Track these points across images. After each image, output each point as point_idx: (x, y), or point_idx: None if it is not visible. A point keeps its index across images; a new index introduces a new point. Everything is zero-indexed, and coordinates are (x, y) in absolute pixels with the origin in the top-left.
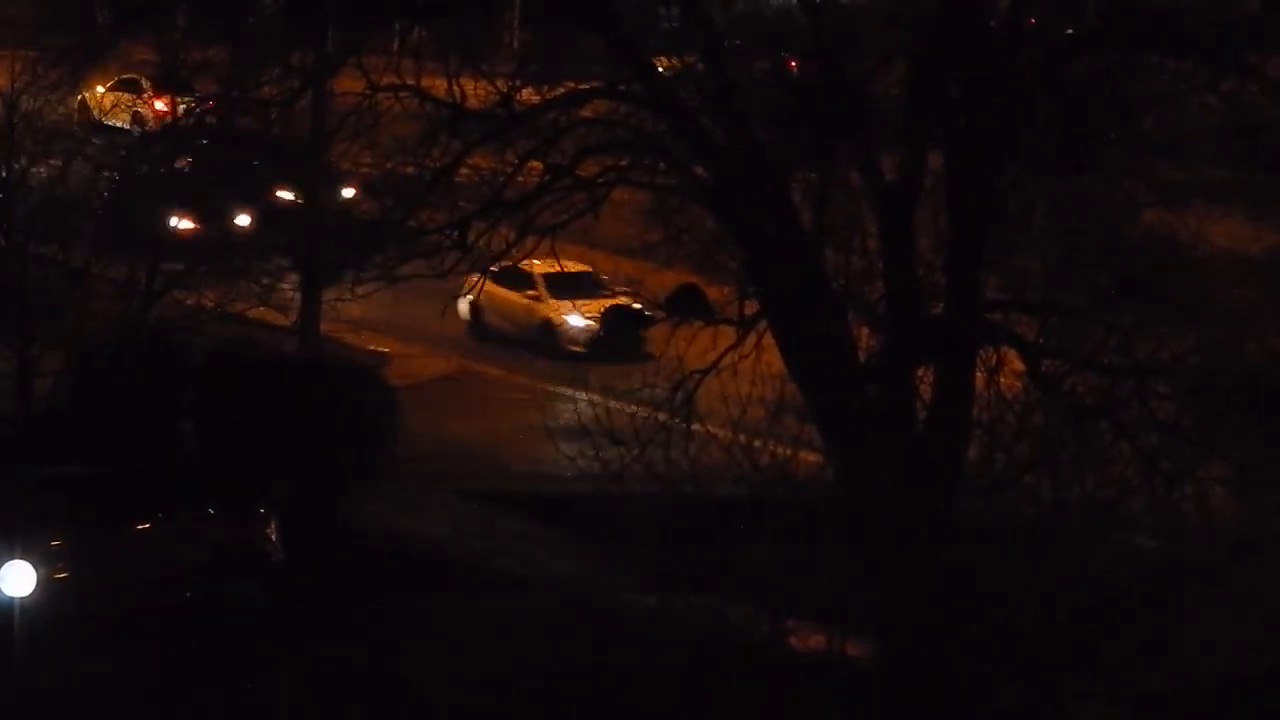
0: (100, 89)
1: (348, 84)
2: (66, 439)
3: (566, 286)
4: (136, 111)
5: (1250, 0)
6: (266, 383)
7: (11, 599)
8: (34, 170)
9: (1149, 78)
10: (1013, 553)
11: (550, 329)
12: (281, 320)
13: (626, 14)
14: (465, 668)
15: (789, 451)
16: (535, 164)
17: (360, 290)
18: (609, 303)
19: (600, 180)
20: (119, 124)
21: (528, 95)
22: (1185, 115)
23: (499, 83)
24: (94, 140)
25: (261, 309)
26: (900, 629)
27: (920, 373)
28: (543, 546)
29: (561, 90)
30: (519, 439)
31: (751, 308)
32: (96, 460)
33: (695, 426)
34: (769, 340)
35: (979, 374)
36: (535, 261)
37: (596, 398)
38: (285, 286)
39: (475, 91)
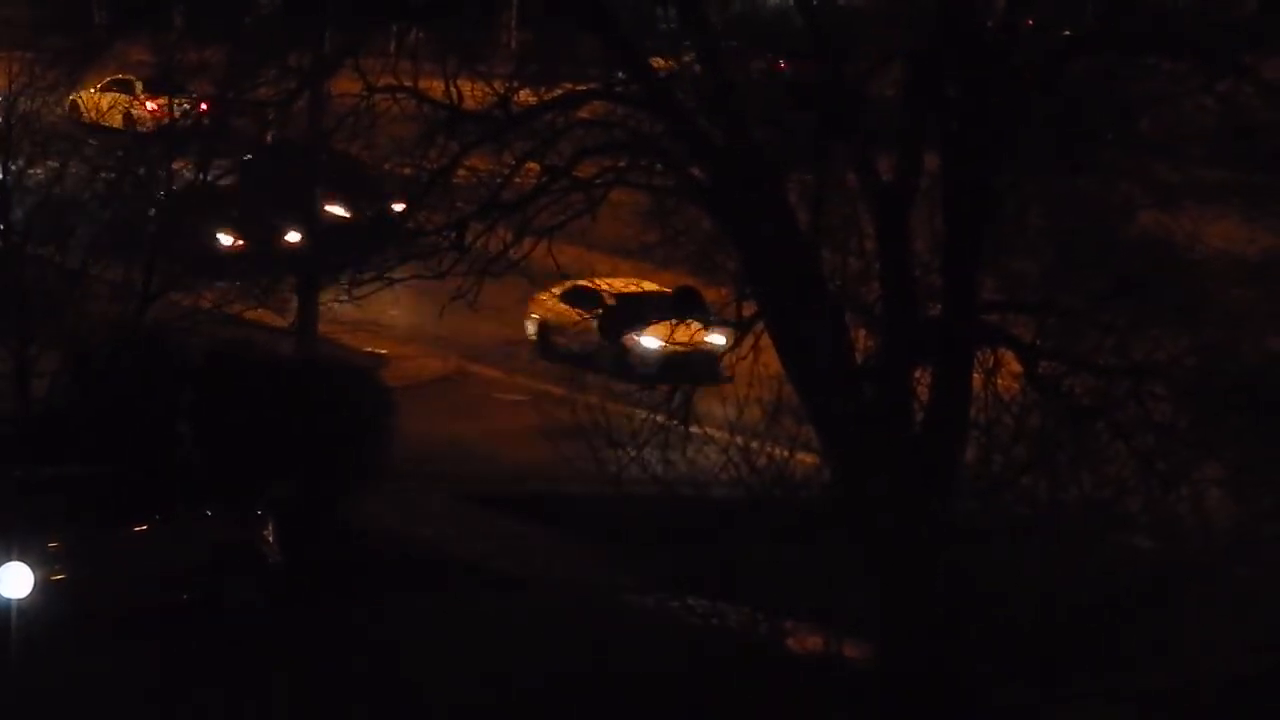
0: (92, 90)
1: (345, 85)
2: (64, 440)
3: (640, 307)
4: (128, 112)
5: (1246, 1)
6: (264, 384)
7: (9, 600)
8: (31, 171)
9: (1145, 79)
10: (1010, 553)
11: (621, 350)
12: (279, 321)
13: (623, 15)
14: (465, 668)
15: (786, 453)
16: (533, 165)
17: (358, 293)
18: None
19: (597, 181)
20: (109, 125)
21: (525, 96)
22: (1181, 116)
23: (496, 84)
24: (90, 141)
25: (259, 310)
26: (899, 629)
27: (917, 374)
28: (542, 547)
29: (559, 91)
30: (517, 440)
31: (749, 309)
32: (94, 461)
33: (693, 428)
34: (766, 342)
35: (976, 375)
36: (608, 281)
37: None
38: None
39: (473, 93)
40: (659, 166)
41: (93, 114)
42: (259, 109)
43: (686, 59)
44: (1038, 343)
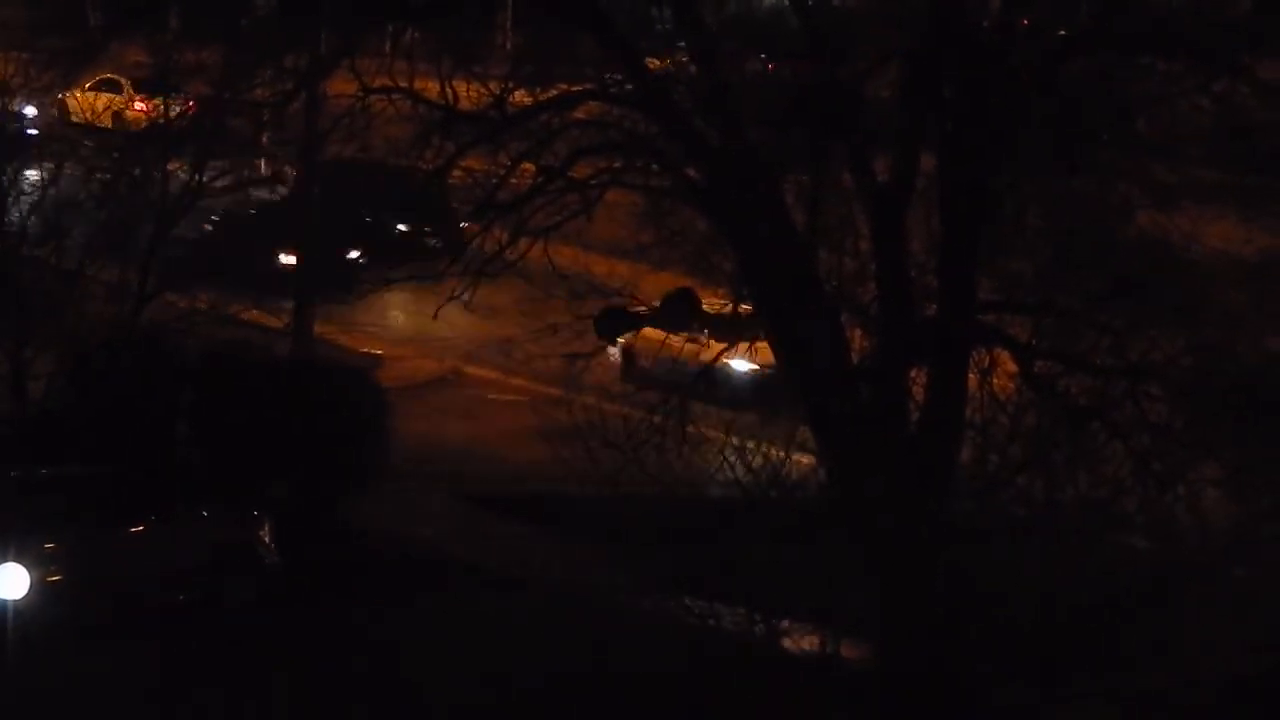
0: (79, 91)
1: (341, 86)
2: (61, 440)
3: (731, 328)
4: (116, 112)
5: (1242, 1)
6: (261, 384)
7: (5, 602)
8: (27, 172)
9: (1142, 79)
10: (1008, 553)
11: (711, 374)
12: (275, 322)
13: (619, 16)
14: (463, 668)
15: (783, 453)
16: (528, 166)
17: (355, 295)
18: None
19: (593, 182)
20: (99, 125)
21: (520, 97)
22: (1178, 117)
23: (492, 84)
24: (86, 142)
25: (255, 311)
26: (897, 630)
27: (913, 374)
28: (540, 548)
29: (554, 92)
30: (515, 440)
31: (745, 310)
32: (91, 462)
33: (690, 428)
34: (763, 342)
35: (972, 375)
36: (707, 302)
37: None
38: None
39: (468, 93)
40: (655, 167)
41: (86, 114)
42: (255, 110)
43: (682, 59)
44: (1034, 343)
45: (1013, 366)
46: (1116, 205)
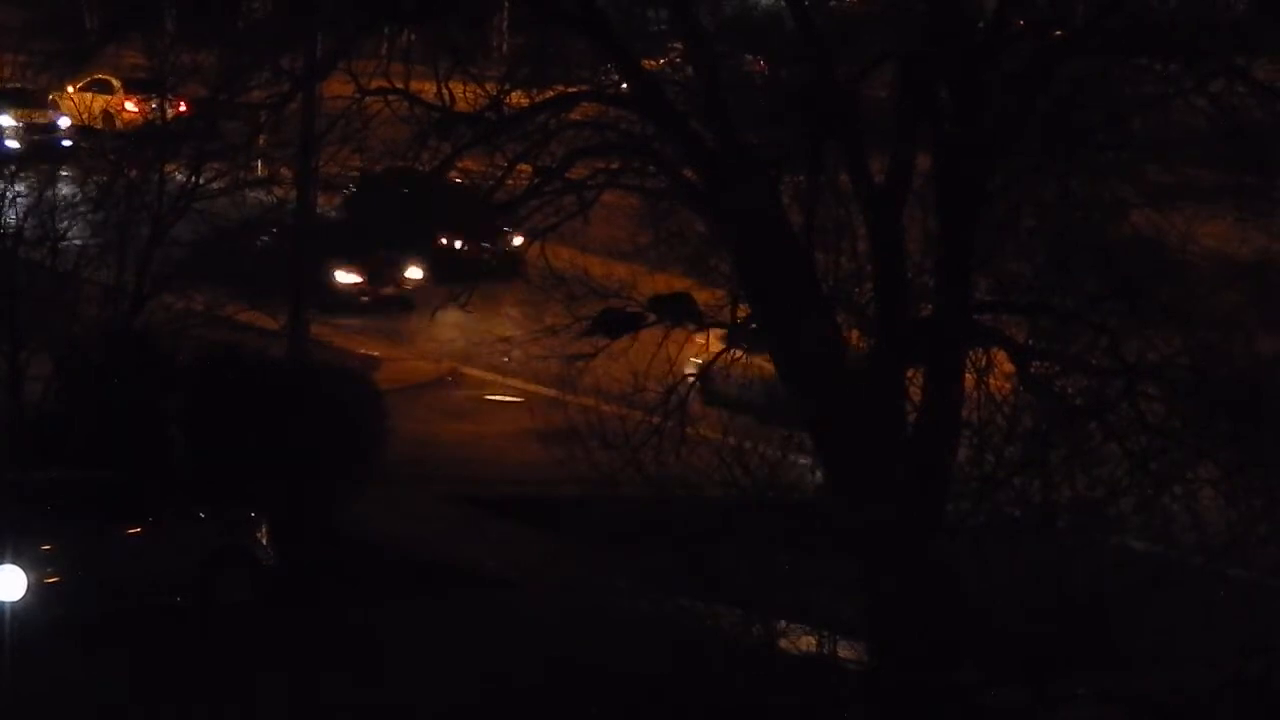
0: (70, 90)
1: (337, 88)
2: (57, 443)
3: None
4: (107, 112)
5: (1237, 2)
6: (256, 387)
7: (2, 603)
8: (23, 174)
9: (1137, 80)
10: (1003, 554)
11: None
12: (270, 324)
13: (615, 17)
14: (461, 669)
15: (779, 454)
16: (525, 167)
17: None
18: None
19: (590, 183)
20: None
21: (517, 98)
22: (1173, 117)
23: (488, 86)
24: (82, 144)
25: (250, 312)
26: (891, 631)
27: (910, 375)
28: (535, 549)
29: (551, 93)
30: (511, 441)
31: (742, 311)
32: (87, 464)
33: (686, 429)
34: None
35: (968, 375)
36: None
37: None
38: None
39: (464, 95)
40: (652, 168)
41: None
42: (252, 112)
43: (678, 60)
44: (1030, 343)
45: (1009, 367)
46: (1111, 205)
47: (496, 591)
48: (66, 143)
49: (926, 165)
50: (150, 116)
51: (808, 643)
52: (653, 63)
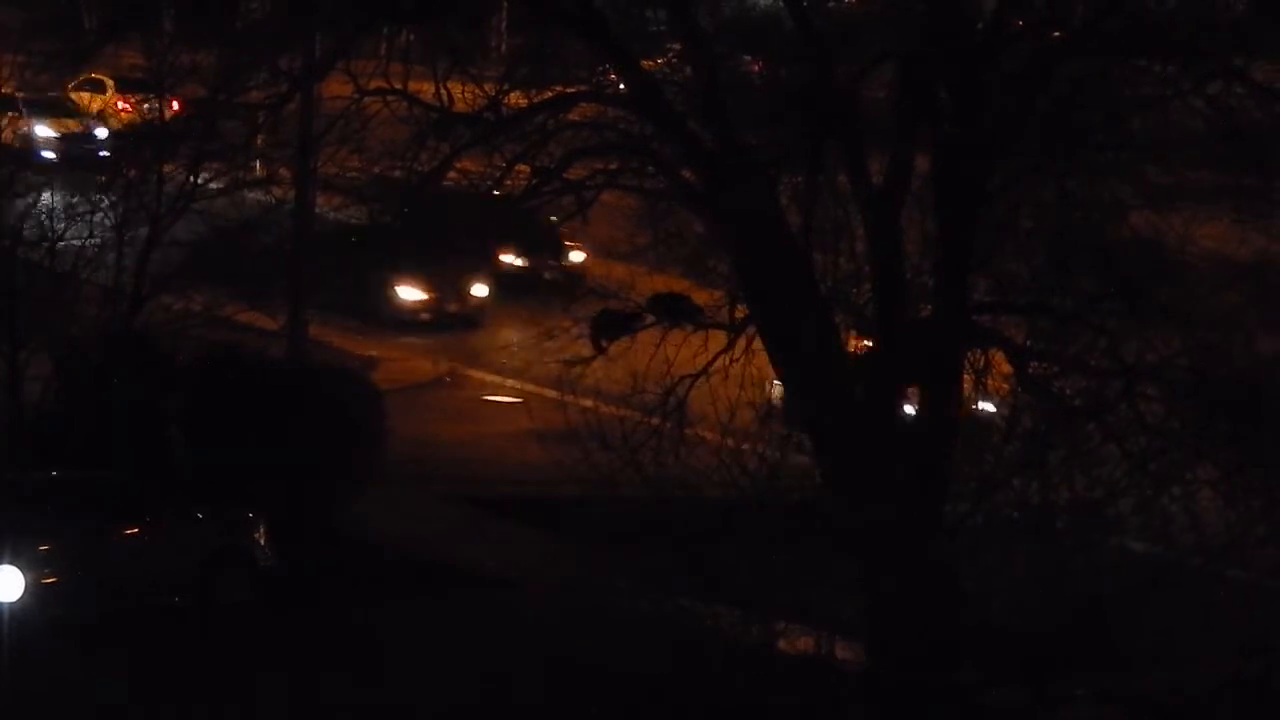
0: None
1: (335, 88)
2: (56, 443)
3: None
4: (100, 112)
5: (1236, 3)
6: (255, 387)
7: (0, 604)
8: (21, 175)
9: (1136, 81)
10: (1002, 555)
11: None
12: (269, 324)
13: (613, 18)
14: (458, 669)
15: (777, 455)
16: (523, 167)
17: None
18: None
19: (588, 183)
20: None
21: (515, 99)
22: (1172, 118)
23: (487, 86)
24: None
25: (249, 313)
26: (890, 631)
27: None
28: (535, 550)
29: (549, 93)
30: (510, 442)
31: (741, 312)
32: (85, 465)
33: (685, 430)
34: (758, 344)
35: (967, 376)
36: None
37: (587, 401)
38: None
39: (463, 95)
40: (650, 169)
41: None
42: (250, 112)
43: (677, 61)
44: (1029, 344)
45: (1008, 368)
46: (1111, 206)
47: (496, 591)
48: (104, 153)
49: (925, 166)
50: (147, 116)
51: (807, 643)
52: (651, 63)
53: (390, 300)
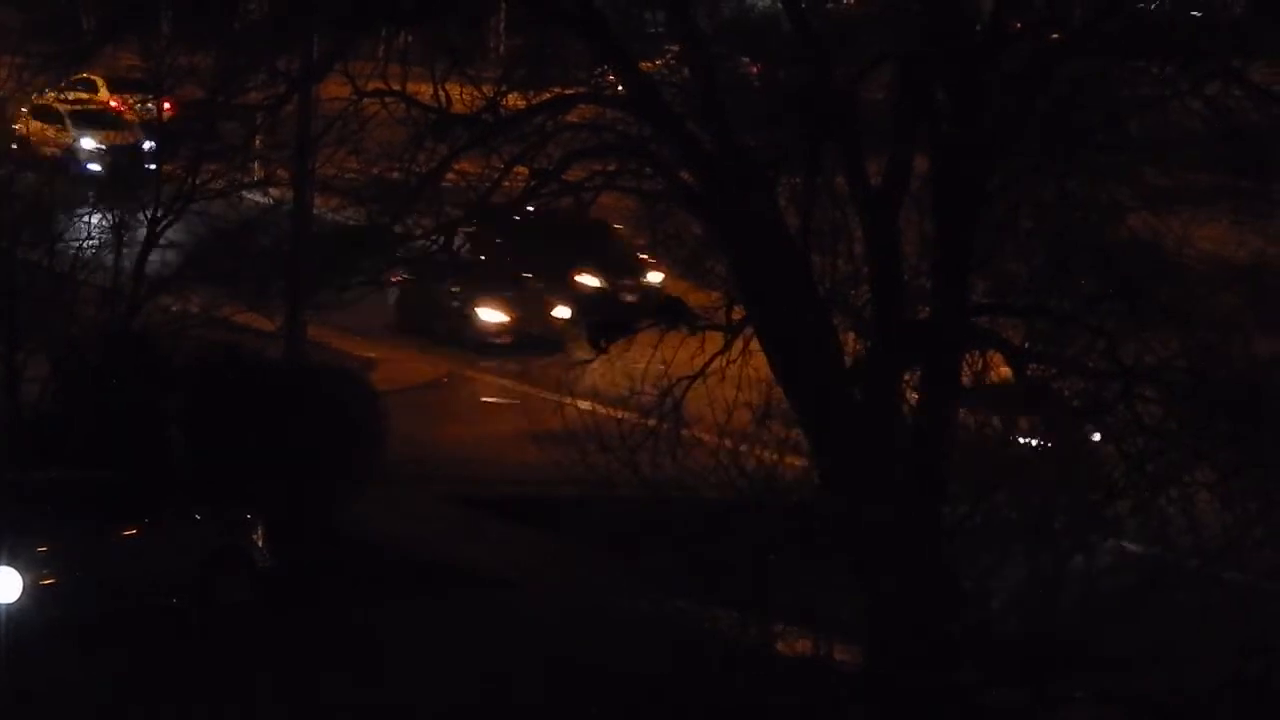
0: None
1: (333, 89)
2: (54, 444)
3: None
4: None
5: (1234, 4)
6: (255, 387)
7: None
8: (21, 175)
9: (1134, 82)
10: (1000, 556)
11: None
12: (268, 325)
13: (612, 18)
14: (458, 669)
15: (775, 456)
16: (521, 169)
17: (348, 297)
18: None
19: (587, 185)
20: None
21: (514, 100)
22: (1171, 119)
23: (485, 87)
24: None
25: (248, 314)
26: (888, 633)
27: (906, 376)
28: (532, 550)
29: (548, 95)
30: (507, 443)
31: (739, 313)
32: (84, 465)
33: (683, 431)
34: (755, 345)
35: (965, 377)
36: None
37: (585, 403)
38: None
39: (461, 96)
40: (648, 170)
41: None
42: (248, 113)
43: (675, 62)
44: (1027, 345)
45: (1006, 369)
46: (1110, 208)
47: (496, 591)
48: (151, 166)
49: (924, 167)
50: (144, 117)
51: (806, 644)
52: (649, 65)
53: (471, 323)
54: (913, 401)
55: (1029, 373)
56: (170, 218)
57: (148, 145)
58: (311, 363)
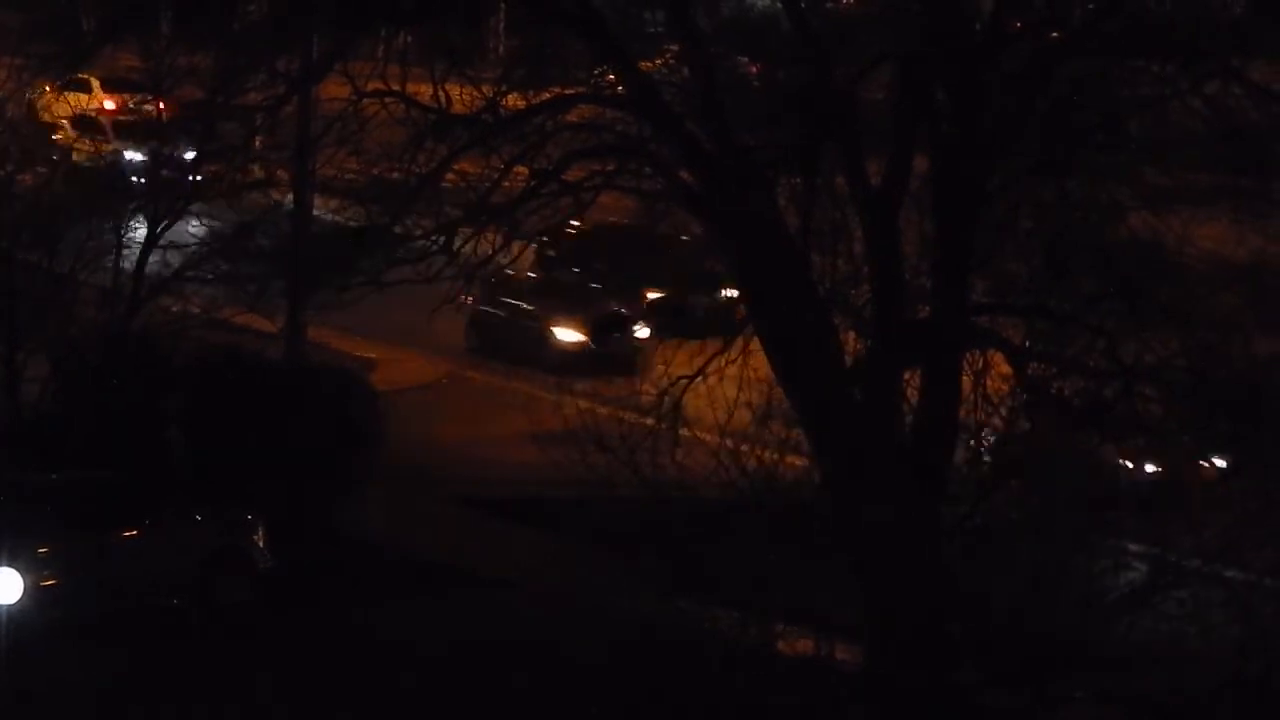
0: (48, 89)
1: (333, 90)
2: (54, 445)
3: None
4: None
5: (1234, 4)
6: (255, 388)
7: None
8: (20, 176)
9: (1134, 81)
10: (1000, 556)
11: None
12: (268, 326)
13: (612, 18)
14: (457, 669)
15: (776, 456)
16: (521, 169)
17: (347, 297)
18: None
19: (586, 185)
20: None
21: (513, 100)
22: (1171, 119)
23: (485, 88)
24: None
25: (248, 315)
26: (888, 632)
27: (907, 376)
28: (532, 550)
29: (547, 95)
30: (507, 443)
31: (738, 313)
32: (84, 466)
33: (683, 431)
34: (755, 345)
35: (966, 377)
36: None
37: (584, 403)
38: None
39: (461, 97)
40: (648, 170)
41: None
42: (248, 114)
43: (675, 62)
44: (1027, 345)
45: (1006, 368)
46: (1110, 208)
47: (496, 591)
48: (195, 178)
49: (924, 167)
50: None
51: (806, 644)
52: (649, 64)
53: (548, 342)
54: (913, 400)
55: (1029, 372)
56: (170, 218)
57: (190, 155)
58: (311, 363)
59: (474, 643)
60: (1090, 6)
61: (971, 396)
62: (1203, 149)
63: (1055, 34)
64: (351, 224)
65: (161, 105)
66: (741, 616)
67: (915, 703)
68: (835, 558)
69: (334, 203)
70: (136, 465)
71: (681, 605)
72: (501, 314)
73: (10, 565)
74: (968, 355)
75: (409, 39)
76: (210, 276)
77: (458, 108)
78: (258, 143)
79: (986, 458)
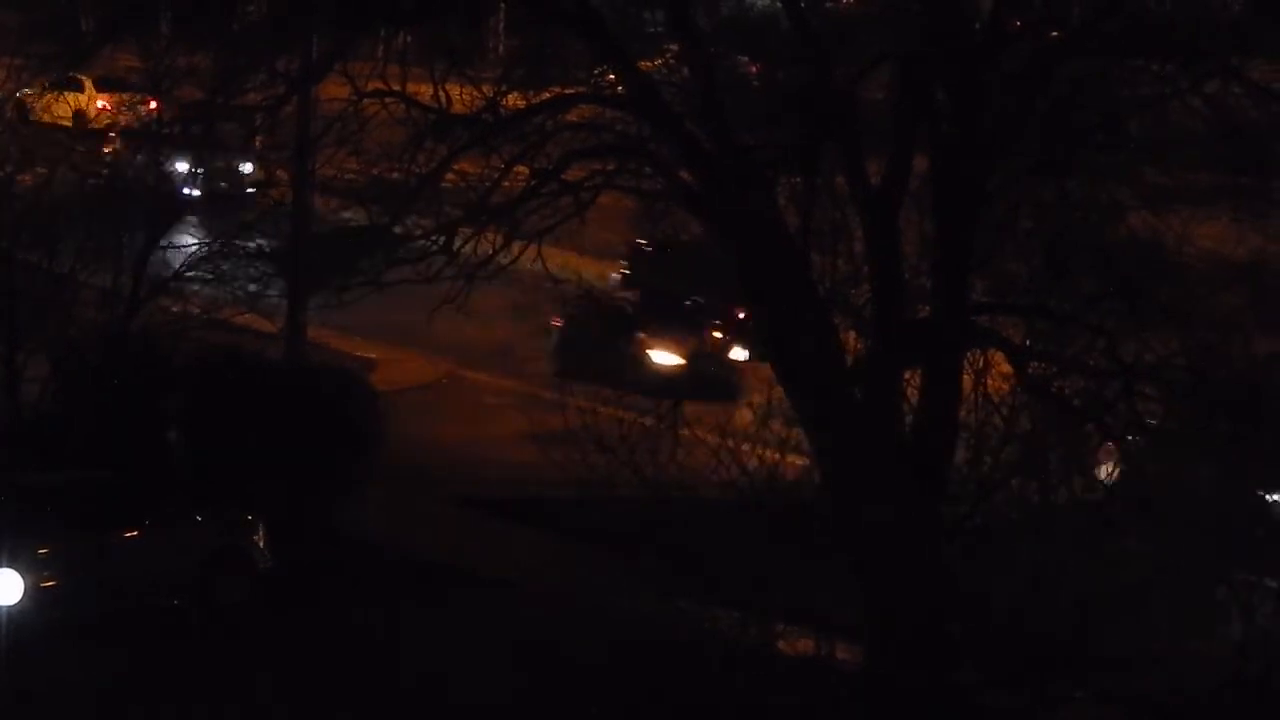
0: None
1: (333, 90)
2: (54, 445)
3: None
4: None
5: (1234, 4)
6: (255, 388)
7: None
8: (20, 176)
9: (1134, 81)
10: (1001, 556)
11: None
12: (268, 326)
13: (611, 18)
14: (457, 669)
15: (776, 455)
16: (521, 169)
17: (347, 297)
18: None
19: (586, 185)
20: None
21: (513, 100)
22: (1170, 119)
23: (485, 87)
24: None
25: (248, 315)
26: (889, 632)
27: (907, 376)
28: (532, 550)
29: (547, 95)
30: (507, 444)
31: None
32: (84, 467)
33: (682, 431)
34: None
35: (966, 377)
36: None
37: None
38: (272, 293)
39: (461, 97)
40: (648, 170)
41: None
42: (247, 114)
43: (674, 62)
44: (1028, 344)
45: (1007, 368)
46: (1110, 207)
47: (496, 591)
48: (250, 190)
49: (923, 167)
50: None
51: (806, 644)
52: (649, 64)
53: (642, 364)
54: (913, 400)
55: (1030, 371)
56: (170, 218)
57: (246, 168)
58: (311, 363)
59: (474, 643)
60: (1090, 7)
61: (971, 396)
62: (1203, 149)
63: (1055, 34)
64: (352, 224)
65: (153, 105)
66: (741, 616)
67: (915, 703)
68: (835, 558)
69: (334, 202)
70: (136, 465)
71: (681, 605)
72: (593, 336)
73: (10, 566)
74: (968, 355)
75: (409, 39)
76: (210, 276)
77: (458, 108)
78: (258, 143)
79: (987, 457)
